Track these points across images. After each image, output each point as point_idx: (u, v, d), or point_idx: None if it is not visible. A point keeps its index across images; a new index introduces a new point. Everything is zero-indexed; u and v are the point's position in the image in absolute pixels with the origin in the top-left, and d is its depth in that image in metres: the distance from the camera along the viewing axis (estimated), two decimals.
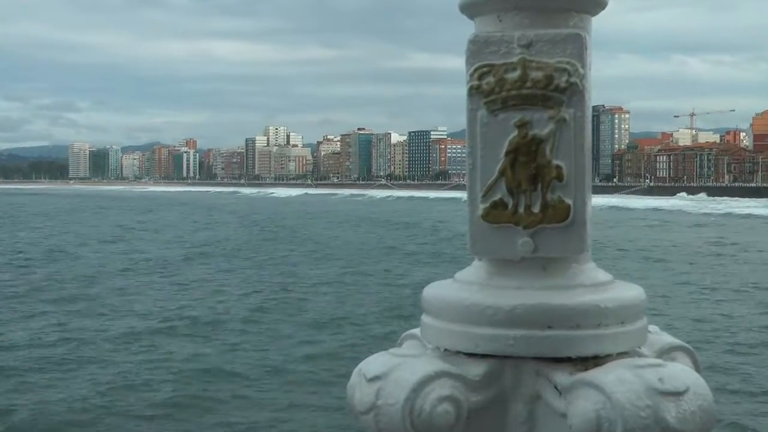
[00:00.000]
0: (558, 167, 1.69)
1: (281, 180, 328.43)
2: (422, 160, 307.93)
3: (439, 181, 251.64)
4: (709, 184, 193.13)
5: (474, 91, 1.73)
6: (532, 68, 1.70)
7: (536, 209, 1.71)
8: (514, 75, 1.70)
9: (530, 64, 1.70)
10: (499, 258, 1.76)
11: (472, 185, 1.75)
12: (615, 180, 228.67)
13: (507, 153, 1.71)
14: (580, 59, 1.69)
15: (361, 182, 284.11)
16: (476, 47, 1.73)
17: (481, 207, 1.74)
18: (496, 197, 1.73)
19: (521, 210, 1.72)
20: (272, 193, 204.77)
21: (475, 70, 1.73)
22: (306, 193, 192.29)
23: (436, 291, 1.85)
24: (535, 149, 1.70)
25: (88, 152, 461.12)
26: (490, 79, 1.72)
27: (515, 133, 1.71)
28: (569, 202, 1.70)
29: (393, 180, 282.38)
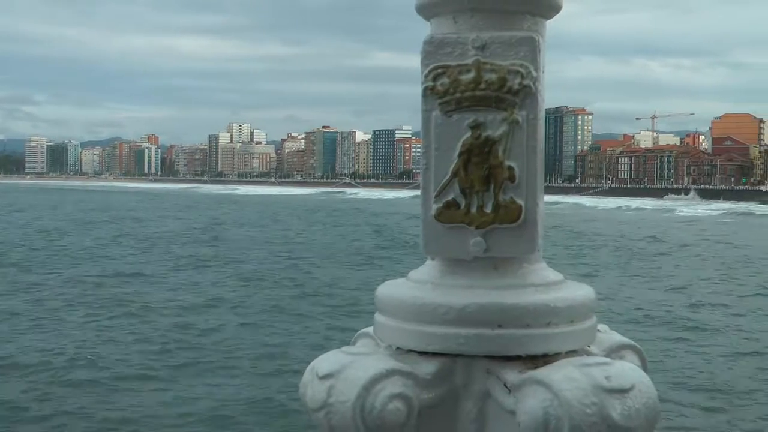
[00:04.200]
0: (510, 168, 1.71)
1: (244, 177, 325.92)
2: (387, 159, 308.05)
3: (403, 180, 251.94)
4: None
5: (428, 92, 1.74)
6: (486, 70, 1.71)
7: (488, 209, 1.73)
8: (468, 76, 1.72)
9: (484, 65, 1.71)
10: (451, 257, 1.78)
11: (425, 185, 1.77)
12: (577, 181, 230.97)
13: (460, 154, 1.73)
14: (534, 62, 1.71)
15: (325, 180, 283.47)
16: (431, 48, 1.75)
17: (434, 207, 1.75)
18: (449, 197, 1.74)
19: (474, 210, 1.73)
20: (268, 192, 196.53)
21: (430, 71, 1.74)
22: (325, 192, 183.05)
23: (390, 290, 1.85)
24: (488, 150, 1.72)
25: (45, 147, 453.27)
26: (445, 80, 1.73)
27: (468, 134, 1.72)
28: (521, 202, 1.72)
29: (357, 179, 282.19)
